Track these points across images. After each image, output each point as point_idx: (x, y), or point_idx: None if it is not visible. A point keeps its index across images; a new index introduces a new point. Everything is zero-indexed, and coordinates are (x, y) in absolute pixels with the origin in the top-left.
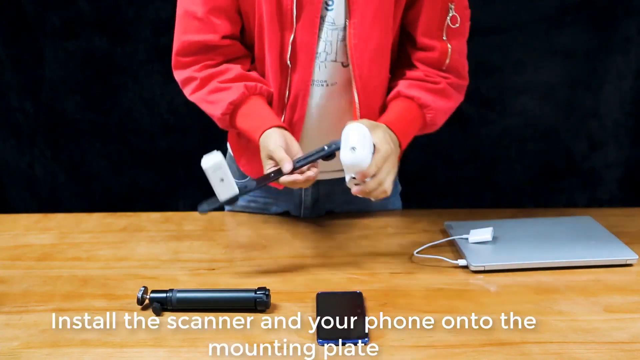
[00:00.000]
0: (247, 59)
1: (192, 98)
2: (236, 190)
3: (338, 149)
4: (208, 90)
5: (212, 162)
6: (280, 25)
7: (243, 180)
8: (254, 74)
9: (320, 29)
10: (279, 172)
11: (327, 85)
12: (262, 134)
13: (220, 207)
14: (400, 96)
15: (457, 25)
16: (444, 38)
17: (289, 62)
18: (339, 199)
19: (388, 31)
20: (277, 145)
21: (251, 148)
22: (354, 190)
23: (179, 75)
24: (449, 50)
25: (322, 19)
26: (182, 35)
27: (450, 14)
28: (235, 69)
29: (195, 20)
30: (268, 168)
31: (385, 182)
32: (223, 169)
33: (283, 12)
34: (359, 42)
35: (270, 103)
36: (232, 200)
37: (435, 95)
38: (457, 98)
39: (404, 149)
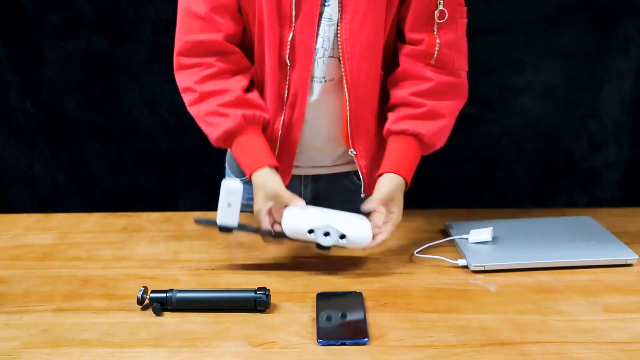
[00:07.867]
0: (248, 71)
1: (190, 110)
2: (235, 224)
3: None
4: (206, 111)
5: (230, 185)
6: (279, 23)
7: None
8: (253, 96)
9: (318, 26)
10: (281, 234)
11: (325, 81)
12: (256, 169)
13: (214, 228)
14: (392, 134)
15: (445, 20)
16: (435, 33)
17: (287, 60)
18: (338, 196)
19: (380, 27)
20: (281, 187)
21: None
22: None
23: (180, 79)
24: (437, 43)
25: (320, 15)
26: (185, 35)
27: (439, 8)
28: (235, 91)
29: (198, 20)
30: (266, 209)
31: (390, 231)
32: (235, 197)
33: (282, 10)
34: (350, 36)
35: (264, 129)
36: (226, 229)
37: (422, 119)
38: (450, 109)
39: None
